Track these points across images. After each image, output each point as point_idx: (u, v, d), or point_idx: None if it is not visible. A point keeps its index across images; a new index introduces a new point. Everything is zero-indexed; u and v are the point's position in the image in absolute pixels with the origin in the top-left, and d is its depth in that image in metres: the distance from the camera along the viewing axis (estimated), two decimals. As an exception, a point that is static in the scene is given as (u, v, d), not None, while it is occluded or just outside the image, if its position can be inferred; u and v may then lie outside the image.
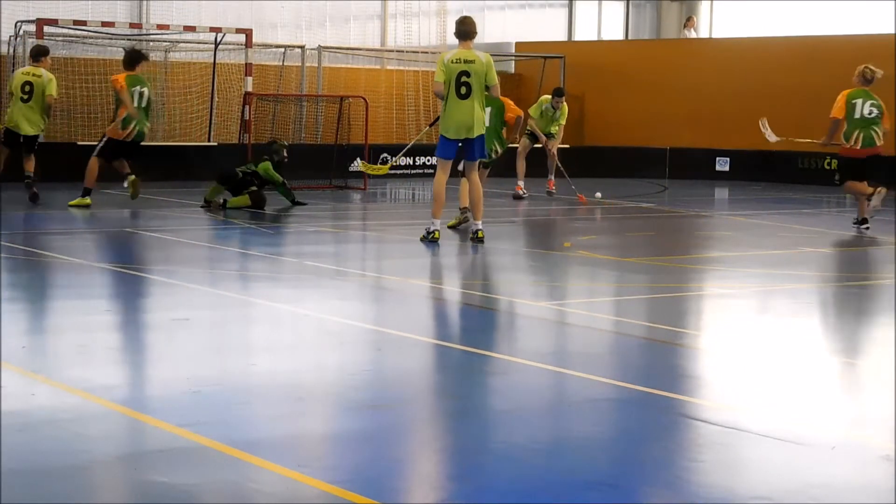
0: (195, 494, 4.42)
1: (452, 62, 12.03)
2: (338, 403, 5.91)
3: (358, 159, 15.94)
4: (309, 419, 5.58)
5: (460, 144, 12.20)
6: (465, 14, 12.82)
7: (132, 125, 14.89)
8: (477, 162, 12.31)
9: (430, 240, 12.07)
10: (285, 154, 16.02)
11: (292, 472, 4.62)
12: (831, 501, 4.51)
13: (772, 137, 15.26)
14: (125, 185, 15.30)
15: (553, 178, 19.24)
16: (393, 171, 21.87)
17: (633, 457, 5.07)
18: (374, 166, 15.35)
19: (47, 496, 4.35)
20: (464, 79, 12.00)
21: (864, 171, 14.01)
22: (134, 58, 15.24)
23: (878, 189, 13.96)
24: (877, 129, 13.98)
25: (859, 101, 13.93)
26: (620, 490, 4.61)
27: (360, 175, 20.13)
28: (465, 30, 12.24)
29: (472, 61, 12.02)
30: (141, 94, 14.89)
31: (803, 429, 5.46)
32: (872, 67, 14.03)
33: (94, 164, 15.07)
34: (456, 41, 12.43)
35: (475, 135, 12.09)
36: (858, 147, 13.92)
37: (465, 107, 12.00)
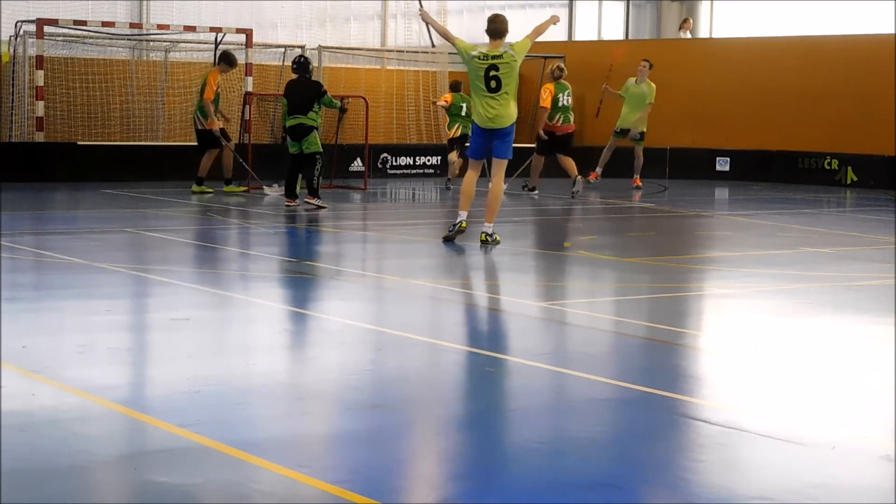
0: (195, 494, 4.42)
1: (478, 59, 12.02)
2: (338, 403, 5.91)
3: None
4: (309, 419, 5.58)
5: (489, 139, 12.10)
6: (495, 13, 12.61)
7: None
8: (505, 162, 12.20)
9: (456, 231, 12.07)
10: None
11: (292, 472, 4.62)
12: (831, 501, 4.52)
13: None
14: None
15: (599, 170, 19.94)
16: (393, 172, 21.90)
17: (634, 457, 5.07)
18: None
19: (47, 496, 4.35)
20: (492, 73, 11.98)
21: (560, 147, 18.13)
22: (222, 58, 17.71)
23: (578, 177, 17.93)
24: (571, 114, 18.23)
25: (562, 95, 17.98)
26: (621, 490, 4.61)
27: (360, 175, 20.14)
28: (497, 28, 12.18)
29: (499, 56, 12.00)
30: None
31: (803, 429, 5.46)
32: (561, 66, 18.27)
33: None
34: (464, 39, 12.42)
35: (502, 125, 11.99)
36: (560, 124, 18.05)
37: (495, 100, 12.00)
